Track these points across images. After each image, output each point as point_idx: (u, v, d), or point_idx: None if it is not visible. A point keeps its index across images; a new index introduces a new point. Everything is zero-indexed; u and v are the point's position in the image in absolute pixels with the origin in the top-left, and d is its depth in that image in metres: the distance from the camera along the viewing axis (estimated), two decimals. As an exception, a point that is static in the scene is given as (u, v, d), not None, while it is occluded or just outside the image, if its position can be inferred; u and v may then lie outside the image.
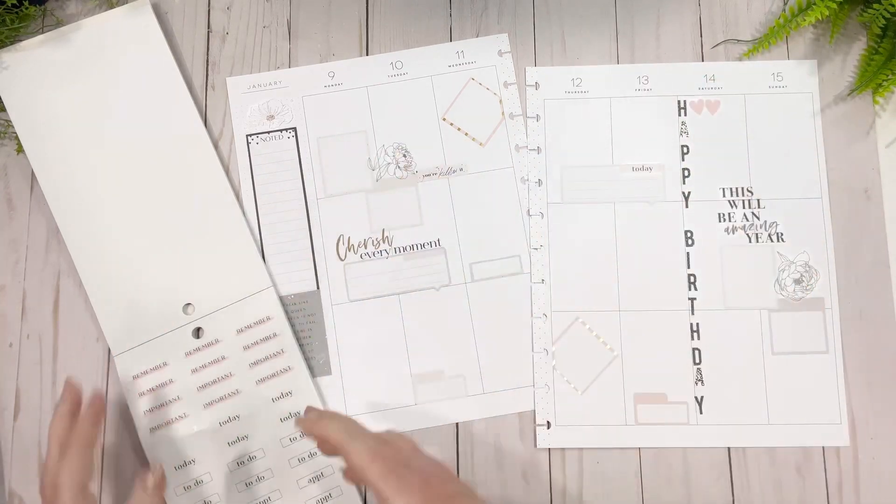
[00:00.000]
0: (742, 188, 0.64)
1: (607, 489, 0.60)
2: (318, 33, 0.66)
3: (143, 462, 0.59)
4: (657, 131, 0.65)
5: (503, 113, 0.65)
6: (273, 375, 0.60)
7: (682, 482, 0.60)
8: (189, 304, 0.61)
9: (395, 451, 0.48)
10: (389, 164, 0.64)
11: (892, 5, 0.60)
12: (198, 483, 0.58)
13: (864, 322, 0.62)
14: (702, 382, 0.61)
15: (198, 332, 0.61)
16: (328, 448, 0.49)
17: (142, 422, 0.59)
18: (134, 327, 0.60)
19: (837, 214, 0.63)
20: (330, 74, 0.66)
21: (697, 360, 0.61)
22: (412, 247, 0.63)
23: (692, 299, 0.62)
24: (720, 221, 0.63)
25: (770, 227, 0.63)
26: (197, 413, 0.59)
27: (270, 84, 0.65)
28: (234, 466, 0.59)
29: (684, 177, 0.64)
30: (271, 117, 0.65)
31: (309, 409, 0.52)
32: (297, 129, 0.65)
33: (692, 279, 0.62)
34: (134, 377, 0.60)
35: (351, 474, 0.50)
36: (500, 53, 0.66)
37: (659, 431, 0.60)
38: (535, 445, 0.60)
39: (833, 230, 0.63)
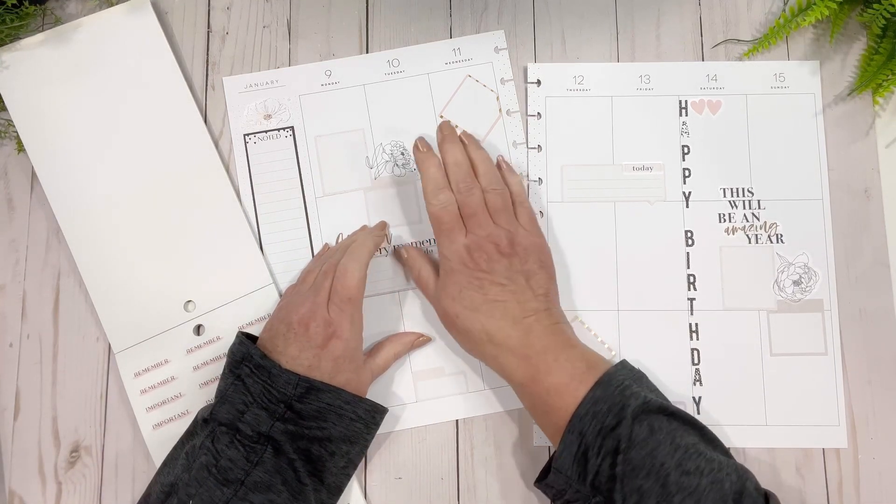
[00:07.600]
0: (742, 189, 0.64)
1: (606, 489, 0.59)
2: (318, 33, 0.66)
3: (144, 461, 0.60)
4: (658, 131, 0.65)
5: (500, 110, 0.65)
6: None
7: (681, 482, 0.59)
8: (190, 301, 0.61)
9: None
10: (387, 161, 0.64)
11: (893, 5, 0.60)
12: None
13: (863, 322, 0.62)
14: (700, 383, 0.61)
15: (198, 329, 0.61)
16: None
17: (144, 419, 0.59)
18: (135, 324, 0.61)
19: (837, 214, 0.63)
20: (327, 73, 0.66)
21: (696, 361, 0.61)
22: (411, 244, 0.63)
23: (691, 299, 0.62)
24: (720, 222, 0.63)
25: (770, 228, 0.63)
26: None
27: (267, 83, 0.65)
28: None
29: (685, 177, 0.64)
30: (269, 116, 0.65)
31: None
32: (295, 128, 0.65)
33: (692, 279, 0.62)
34: (136, 374, 0.60)
35: None
36: (497, 50, 0.66)
37: (658, 431, 0.60)
38: (534, 444, 0.60)
39: (833, 230, 0.63)
